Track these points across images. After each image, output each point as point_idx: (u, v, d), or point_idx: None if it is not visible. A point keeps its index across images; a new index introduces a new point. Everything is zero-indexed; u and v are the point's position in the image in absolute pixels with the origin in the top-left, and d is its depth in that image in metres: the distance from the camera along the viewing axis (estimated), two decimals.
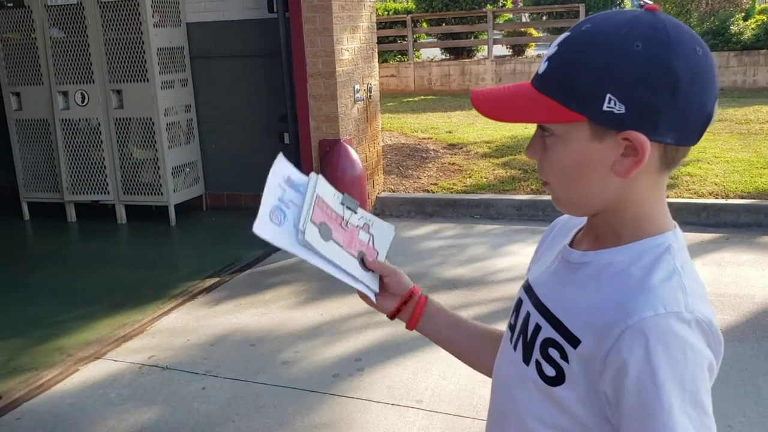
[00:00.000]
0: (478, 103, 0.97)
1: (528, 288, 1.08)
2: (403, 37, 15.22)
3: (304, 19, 5.58)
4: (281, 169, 1.15)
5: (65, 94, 6.20)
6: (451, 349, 1.32)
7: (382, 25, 15.55)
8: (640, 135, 0.88)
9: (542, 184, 1.02)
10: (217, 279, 4.86)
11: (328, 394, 3.29)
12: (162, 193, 6.19)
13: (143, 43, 5.91)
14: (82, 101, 6.17)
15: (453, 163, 7.32)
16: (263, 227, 1.08)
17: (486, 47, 14.60)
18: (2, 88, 6.42)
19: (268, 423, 3.08)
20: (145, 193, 6.27)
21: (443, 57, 16.76)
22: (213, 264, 5.16)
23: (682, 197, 5.81)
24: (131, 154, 6.23)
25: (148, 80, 5.97)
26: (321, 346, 3.80)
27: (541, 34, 15.58)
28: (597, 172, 0.92)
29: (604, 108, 0.88)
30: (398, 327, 3.94)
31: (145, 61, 5.94)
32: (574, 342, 0.92)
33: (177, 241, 6.12)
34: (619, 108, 0.87)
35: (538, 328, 1.00)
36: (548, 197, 1.06)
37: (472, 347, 1.30)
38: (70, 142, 6.30)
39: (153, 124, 6.06)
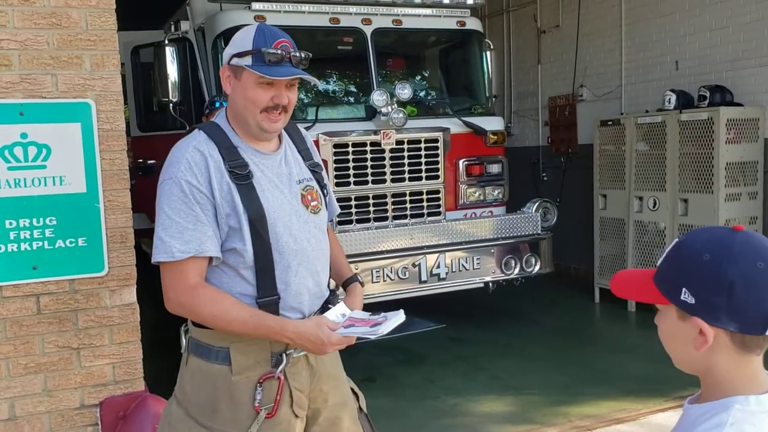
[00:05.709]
0: (613, 282, 1.41)
1: None
2: None
3: None
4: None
5: (640, 198, 7.07)
6: None
7: None
8: (702, 322, 1.21)
9: None
10: None
11: None
12: None
13: (712, 158, 6.33)
14: (653, 206, 6.92)
15: None
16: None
17: None
18: (594, 189, 7.69)
19: None
20: None
21: None
22: None
23: None
24: None
25: (712, 192, 6.36)
26: None
27: None
28: (682, 343, 1.27)
29: (681, 298, 1.23)
30: None
31: (712, 175, 6.34)
32: None
33: None
34: (690, 299, 1.21)
35: None
36: None
37: None
38: (638, 241, 7.13)
39: None
